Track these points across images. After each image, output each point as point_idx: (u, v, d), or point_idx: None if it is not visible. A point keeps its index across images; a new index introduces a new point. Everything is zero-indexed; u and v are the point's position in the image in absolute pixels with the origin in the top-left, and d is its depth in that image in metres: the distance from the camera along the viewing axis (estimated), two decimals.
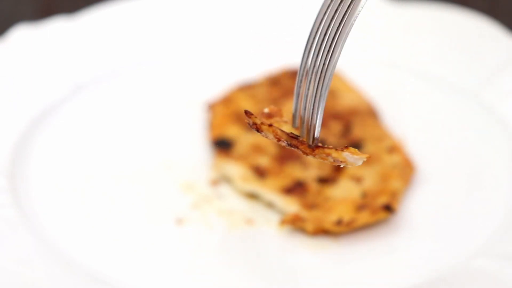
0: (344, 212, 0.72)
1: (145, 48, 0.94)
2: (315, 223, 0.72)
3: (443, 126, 0.85)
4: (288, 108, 0.83)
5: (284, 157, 0.78)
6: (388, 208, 0.72)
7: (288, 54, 0.93)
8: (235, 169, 0.77)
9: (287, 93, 0.86)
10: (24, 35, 0.91)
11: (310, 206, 0.73)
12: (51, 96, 0.87)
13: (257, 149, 0.79)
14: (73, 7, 1.00)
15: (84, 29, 0.94)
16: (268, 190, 0.75)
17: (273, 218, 0.74)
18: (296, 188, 0.75)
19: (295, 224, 0.72)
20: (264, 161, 0.78)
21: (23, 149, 0.81)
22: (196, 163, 0.80)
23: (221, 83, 0.89)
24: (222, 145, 0.80)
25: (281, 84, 0.87)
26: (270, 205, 0.75)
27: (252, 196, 0.76)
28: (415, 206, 0.75)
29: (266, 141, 0.80)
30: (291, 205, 0.74)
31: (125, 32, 0.95)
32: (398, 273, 0.69)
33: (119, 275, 0.69)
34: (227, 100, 0.85)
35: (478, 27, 0.93)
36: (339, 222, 0.71)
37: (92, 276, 0.68)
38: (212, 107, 0.85)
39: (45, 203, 0.75)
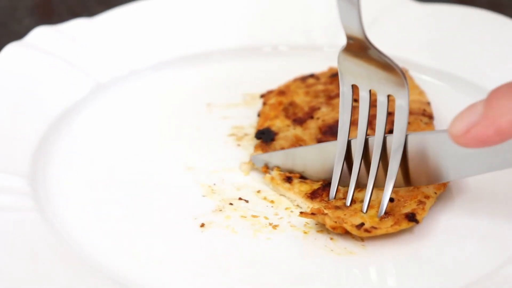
0: (368, 217, 0.71)
1: (168, 48, 0.94)
2: (336, 221, 0.71)
3: None
4: (339, 102, 0.83)
5: None
6: (412, 218, 0.71)
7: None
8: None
9: None
10: (43, 36, 0.91)
11: (336, 207, 0.72)
12: (72, 98, 0.87)
13: (297, 144, 0.79)
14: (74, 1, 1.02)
15: (104, 30, 0.95)
16: (294, 194, 0.75)
17: (298, 222, 0.73)
18: (324, 190, 0.74)
19: (315, 217, 0.71)
20: None
21: (44, 150, 0.80)
22: (220, 167, 0.79)
23: (246, 87, 0.88)
24: (264, 136, 0.79)
25: None
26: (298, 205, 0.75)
27: (276, 201, 0.76)
28: (443, 211, 0.74)
29: (308, 136, 0.80)
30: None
31: (148, 32, 0.95)
32: (425, 282, 0.68)
33: (143, 279, 0.68)
34: (281, 91, 0.85)
35: (501, 27, 0.93)
36: (360, 226, 0.70)
37: (115, 280, 0.67)
38: (265, 97, 0.85)
39: (66, 206, 0.75)
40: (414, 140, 0.71)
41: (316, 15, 0.98)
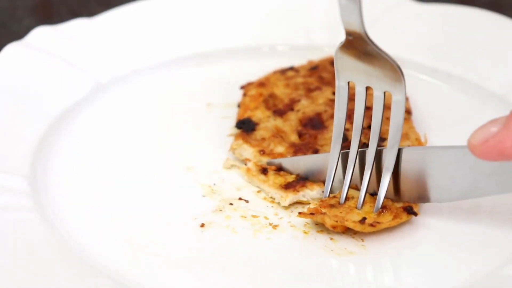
0: (364, 214, 0.72)
1: (168, 48, 0.94)
2: (336, 220, 0.71)
3: (465, 127, 0.84)
4: (319, 95, 0.82)
5: (301, 147, 0.78)
6: (410, 211, 0.71)
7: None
8: (248, 155, 0.78)
9: (323, 81, 0.85)
10: (43, 36, 0.91)
11: (330, 205, 0.73)
12: (72, 98, 0.87)
13: (278, 135, 0.79)
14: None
15: (104, 30, 0.94)
16: (269, 187, 0.76)
17: (298, 222, 0.73)
18: (298, 182, 0.75)
19: (314, 217, 0.71)
20: (280, 149, 0.78)
21: (45, 150, 0.80)
22: (220, 167, 0.79)
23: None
24: (244, 126, 0.80)
25: (320, 71, 0.87)
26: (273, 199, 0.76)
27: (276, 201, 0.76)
28: (443, 211, 0.74)
29: (289, 127, 0.80)
30: (288, 196, 0.74)
31: (148, 32, 0.95)
32: (425, 282, 0.68)
33: (143, 279, 0.68)
34: (261, 83, 0.86)
35: (501, 27, 0.93)
36: (362, 221, 0.70)
37: (114, 279, 0.67)
38: (245, 89, 0.85)
39: (66, 206, 0.75)
40: (408, 155, 0.71)
41: (316, 15, 0.97)
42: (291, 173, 0.77)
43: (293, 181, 0.76)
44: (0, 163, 0.77)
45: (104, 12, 0.96)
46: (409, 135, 0.78)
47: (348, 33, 0.69)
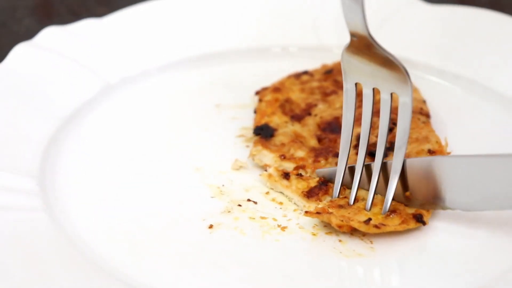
0: (372, 215, 0.71)
1: (177, 49, 0.94)
2: (342, 219, 0.71)
3: (472, 127, 0.84)
4: (336, 99, 0.82)
5: (322, 151, 0.78)
6: (420, 219, 0.71)
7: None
8: (268, 160, 0.78)
9: (338, 85, 0.85)
10: (52, 37, 0.91)
11: (339, 206, 0.72)
12: (81, 98, 0.87)
13: (297, 140, 0.79)
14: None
15: (113, 31, 0.95)
16: (292, 192, 0.75)
17: (307, 224, 0.73)
18: (320, 189, 0.74)
19: (320, 216, 0.71)
20: (301, 153, 0.78)
21: (54, 151, 0.80)
22: (228, 168, 0.79)
23: (255, 88, 0.88)
24: (263, 132, 0.80)
25: (335, 74, 0.87)
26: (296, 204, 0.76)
27: (285, 202, 0.75)
28: (451, 215, 0.73)
29: (307, 132, 0.80)
30: (310, 207, 0.74)
31: (158, 33, 0.96)
32: (433, 285, 0.68)
33: (151, 280, 0.68)
34: (276, 88, 0.85)
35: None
36: (367, 222, 0.70)
37: (122, 280, 0.67)
38: (260, 94, 0.85)
39: (75, 206, 0.75)
40: (421, 163, 0.71)
41: (326, 16, 0.97)
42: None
43: (315, 186, 0.75)
44: (10, 163, 0.77)
45: (106, 12, 0.96)
46: (429, 138, 0.78)
47: (352, 34, 0.69)
